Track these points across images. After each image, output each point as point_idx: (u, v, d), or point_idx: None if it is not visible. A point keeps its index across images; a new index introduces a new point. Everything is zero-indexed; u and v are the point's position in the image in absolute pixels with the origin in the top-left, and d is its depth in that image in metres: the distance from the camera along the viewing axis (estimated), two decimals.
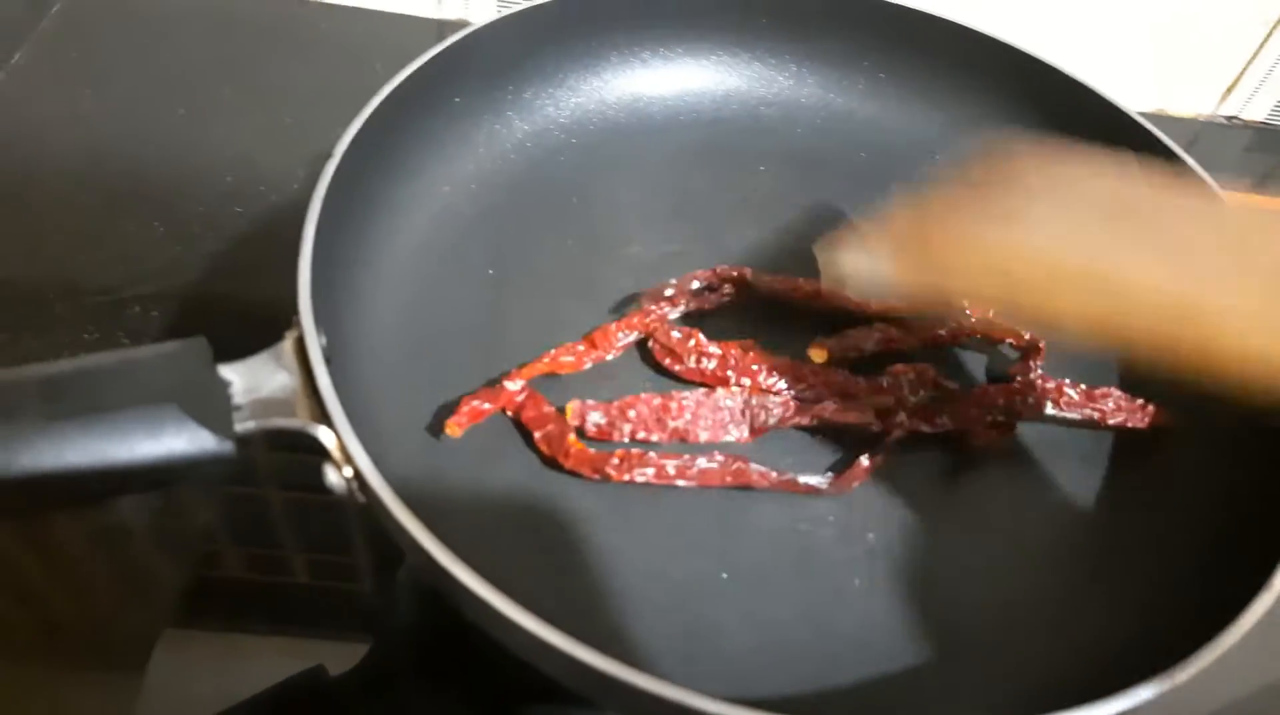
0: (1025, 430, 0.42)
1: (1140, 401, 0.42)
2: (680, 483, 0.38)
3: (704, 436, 0.39)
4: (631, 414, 0.39)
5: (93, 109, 0.59)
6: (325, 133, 0.39)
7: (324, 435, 0.31)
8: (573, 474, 0.38)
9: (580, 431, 0.39)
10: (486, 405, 0.39)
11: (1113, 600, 0.37)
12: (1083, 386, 0.42)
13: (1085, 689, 0.29)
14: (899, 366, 0.41)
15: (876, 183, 0.50)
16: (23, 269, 0.50)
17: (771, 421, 0.39)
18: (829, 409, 0.39)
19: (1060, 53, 0.50)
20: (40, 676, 0.38)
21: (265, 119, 0.60)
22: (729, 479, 0.38)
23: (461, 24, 0.64)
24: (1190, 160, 0.46)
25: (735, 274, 0.44)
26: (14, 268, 0.50)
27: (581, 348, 0.42)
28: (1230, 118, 0.74)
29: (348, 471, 0.31)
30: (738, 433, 0.39)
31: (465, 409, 0.38)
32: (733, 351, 0.41)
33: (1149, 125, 0.48)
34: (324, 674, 0.39)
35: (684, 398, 0.39)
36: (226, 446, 0.29)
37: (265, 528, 0.43)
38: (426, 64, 0.43)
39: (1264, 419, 0.36)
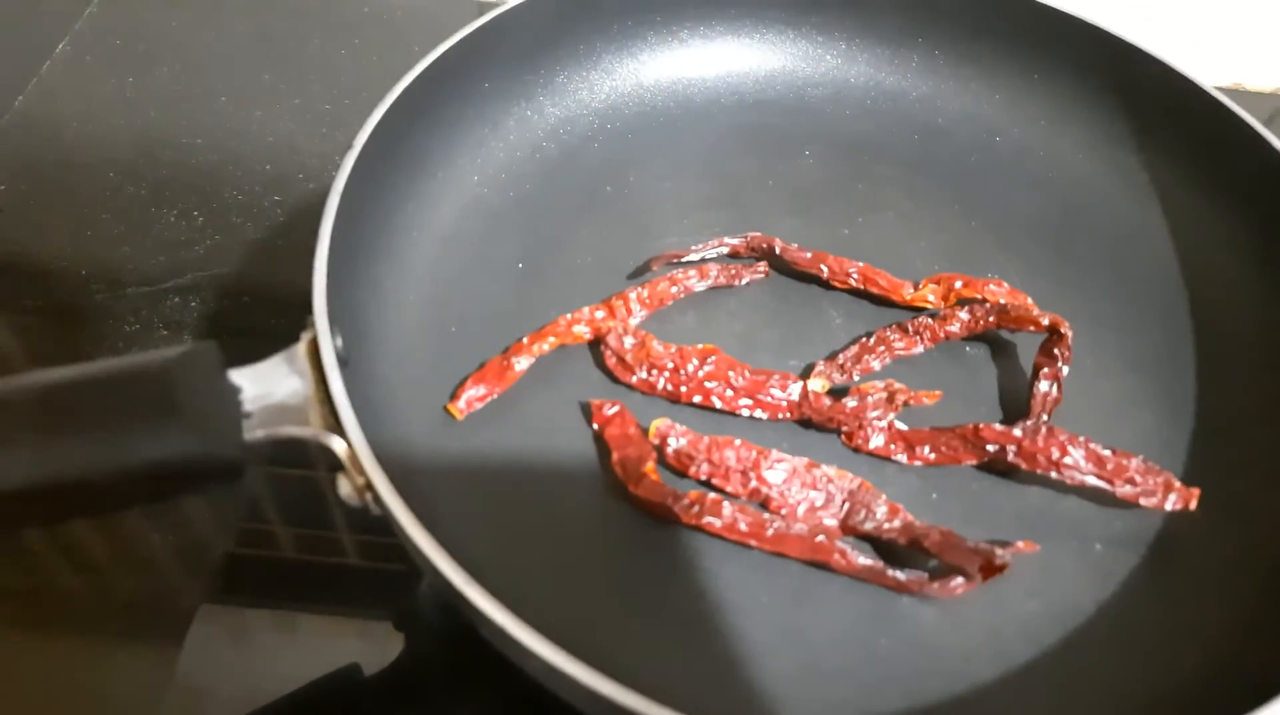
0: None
1: (1164, 477, 0.36)
2: (752, 543, 0.34)
3: (785, 511, 0.35)
4: (717, 456, 0.36)
5: (136, 97, 0.59)
6: (363, 118, 0.39)
7: (336, 445, 0.29)
8: (636, 506, 0.36)
9: (659, 455, 0.36)
10: (483, 389, 0.37)
11: (1183, 624, 0.34)
12: (1095, 446, 0.36)
13: None
14: (865, 386, 0.38)
15: (930, 167, 0.48)
16: (68, 258, 0.50)
17: (868, 526, 0.35)
18: (933, 538, 0.34)
19: (1130, 25, 0.47)
20: (85, 645, 0.38)
21: (304, 104, 0.60)
22: (807, 553, 0.34)
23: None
24: (1269, 136, 0.43)
25: (766, 244, 0.43)
26: (59, 257, 0.50)
27: (600, 314, 0.40)
28: None
29: (361, 482, 0.29)
30: (828, 521, 0.35)
31: (467, 393, 0.37)
32: (689, 363, 0.38)
33: (1226, 100, 0.44)
34: (358, 673, 0.39)
35: (781, 461, 0.36)
36: (233, 458, 0.27)
37: (304, 506, 0.42)
38: (453, 48, 0.41)
39: None
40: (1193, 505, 0.36)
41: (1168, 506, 0.36)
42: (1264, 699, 0.27)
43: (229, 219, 0.53)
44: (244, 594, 0.40)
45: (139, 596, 0.40)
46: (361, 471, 0.29)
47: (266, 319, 0.49)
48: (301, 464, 0.44)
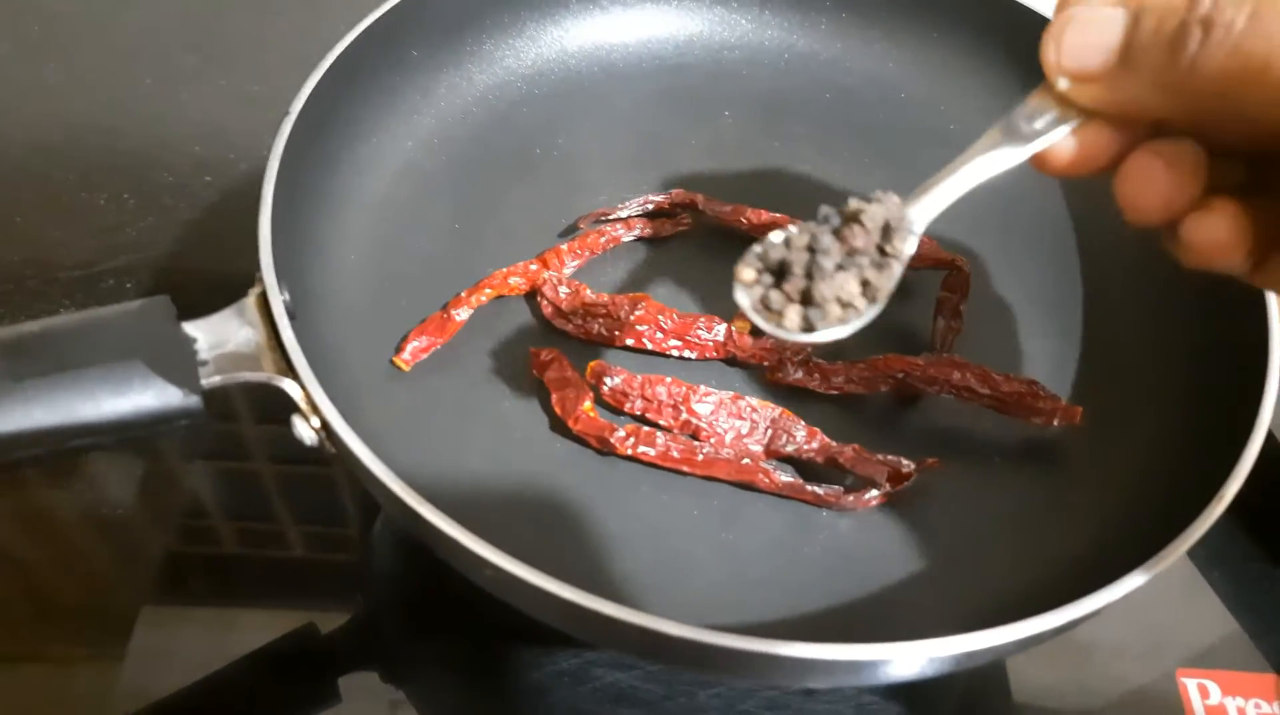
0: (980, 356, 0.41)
1: (1051, 398, 0.39)
2: (684, 469, 0.37)
3: (713, 440, 0.38)
4: (650, 392, 0.38)
5: (58, 83, 0.59)
6: (292, 97, 0.39)
7: (290, 387, 0.31)
8: (576, 440, 0.38)
9: (596, 394, 0.39)
10: (426, 341, 0.39)
11: (1069, 519, 0.38)
12: (991, 372, 0.40)
13: (1044, 600, 0.30)
14: None
15: (841, 124, 0.51)
16: None
17: (788, 449, 0.38)
18: (847, 454, 0.37)
19: None
20: (24, 651, 0.39)
21: (230, 85, 0.60)
22: (734, 475, 0.37)
23: None
24: None
25: (689, 200, 0.45)
26: None
27: (534, 267, 0.42)
28: None
29: (315, 422, 0.31)
30: (753, 447, 0.38)
31: (411, 345, 0.39)
32: (621, 309, 0.41)
33: None
34: (314, 631, 0.40)
35: (709, 395, 0.39)
36: (193, 401, 0.29)
37: (244, 500, 0.44)
38: (382, 17, 0.43)
39: None
40: (1076, 421, 0.40)
41: (1055, 423, 0.39)
42: (1128, 570, 0.31)
43: (160, 200, 0.53)
44: (190, 591, 0.41)
45: (81, 598, 0.41)
46: (316, 411, 0.31)
47: (204, 297, 0.50)
48: (242, 456, 0.45)
